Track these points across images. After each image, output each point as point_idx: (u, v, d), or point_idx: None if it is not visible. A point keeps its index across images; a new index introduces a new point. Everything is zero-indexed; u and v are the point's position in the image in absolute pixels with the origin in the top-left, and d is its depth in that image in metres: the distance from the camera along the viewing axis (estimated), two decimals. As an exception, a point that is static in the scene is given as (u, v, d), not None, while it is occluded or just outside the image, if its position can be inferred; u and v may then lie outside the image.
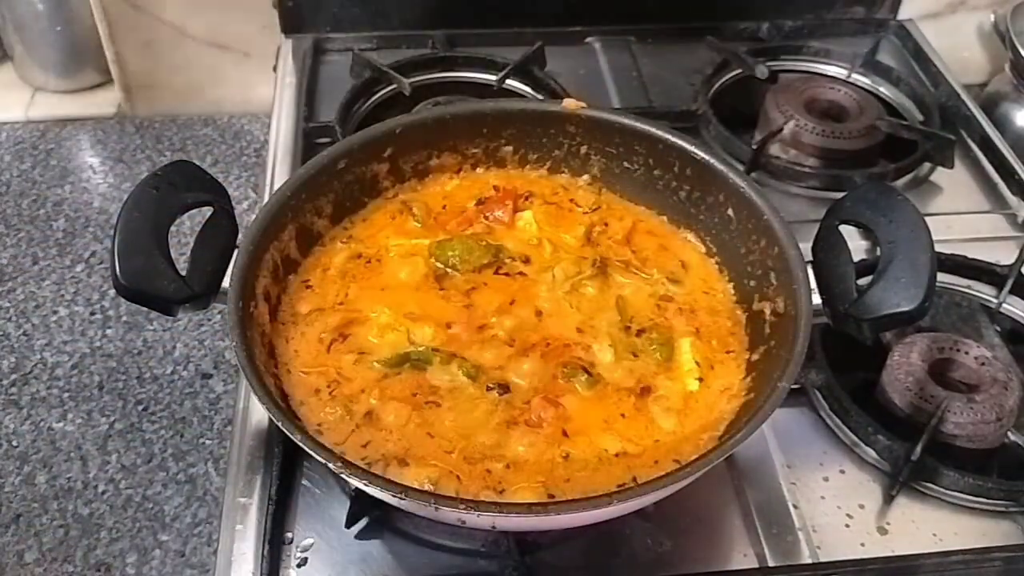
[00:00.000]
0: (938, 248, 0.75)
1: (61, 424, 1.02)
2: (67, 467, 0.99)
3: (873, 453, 0.86)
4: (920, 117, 1.25)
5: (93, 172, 1.33)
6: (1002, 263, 1.02)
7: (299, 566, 0.76)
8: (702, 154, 0.89)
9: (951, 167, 1.16)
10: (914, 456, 0.82)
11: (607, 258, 0.90)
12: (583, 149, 0.95)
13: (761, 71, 1.26)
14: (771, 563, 0.78)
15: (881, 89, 1.30)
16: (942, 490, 0.83)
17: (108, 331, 1.12)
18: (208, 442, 1.01)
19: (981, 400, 0.86)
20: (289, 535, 0.78)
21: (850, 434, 0.87)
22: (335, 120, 1.14)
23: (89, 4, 1.32)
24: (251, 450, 0.83)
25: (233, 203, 0.81)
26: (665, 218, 0.94)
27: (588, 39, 1.37)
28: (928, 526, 0.82)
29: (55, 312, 1.14)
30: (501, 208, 0.93)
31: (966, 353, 0.91)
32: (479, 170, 0.97)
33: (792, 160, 1.16)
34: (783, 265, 0.80)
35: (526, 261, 0.89)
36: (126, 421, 1.03)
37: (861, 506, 0.83)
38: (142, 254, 0.72)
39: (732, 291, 0.88)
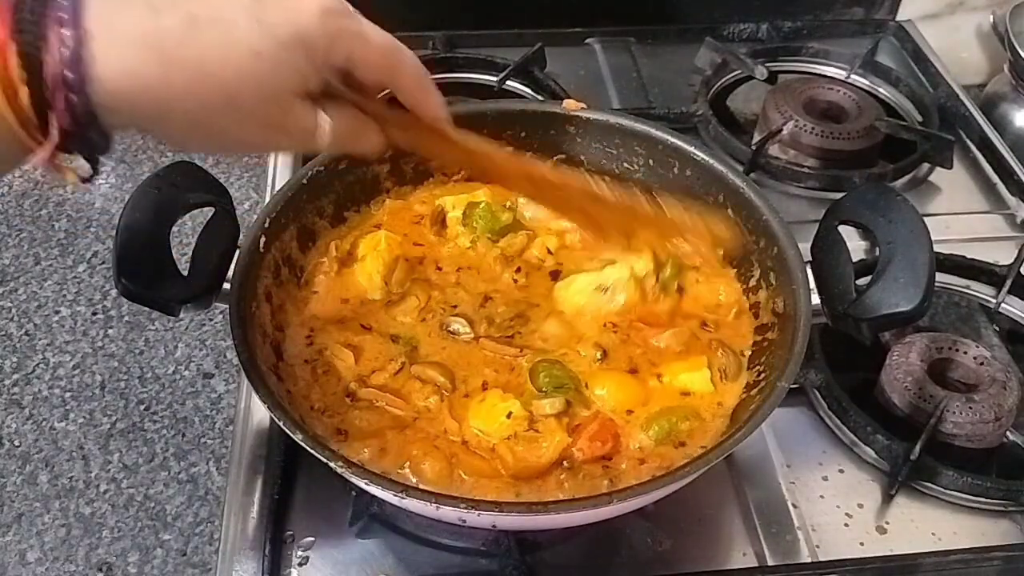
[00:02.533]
0: (937, 248, 0.75)
1: (63, 423, 1.03)
2: (69, 466, 0.99)
3: (872, 452, 0.86)
4: (919, 118, 1.25)
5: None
6: (1001, 263, 1.02)
7: (300, 565, 0.76)
8: (701, 155, 0.89)
9: (950, 168, 1.16)
10: (913, 455, 0.82)
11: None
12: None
13: (760, 72, 1.26)
14: (770, 562, 0.78)
15: (880, 90, 1.31)
16: (941, 489, 0.84)
17: (110, 331, 1.12)
18: (210, 441, 1.02)
19: (980, 400, 0.86)
20: (290, 534, 0.78)
21: (849, 434, 0.87)
22: (336, 121, 1.14)
23: (91, 5, 1.33)
24: (253, 449, 0.84)
25: (235, 203, 0.81)
26: (665, 218, 0.94)
27: (588, 40, 1.37)
28: (927, 525, 0.82)
29: (57, 312, 1.14)
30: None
31: (965, 353, 0.91)
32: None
33: (791, 161, 1.17)
34: (782, 265, 0.80)
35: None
36: (128, 420, 1.03)
37: (860, 505, 0.83)
38: (144, 254, 0.72)
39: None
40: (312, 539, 0.78)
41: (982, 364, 0.90)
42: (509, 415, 0.74)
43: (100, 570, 0.91)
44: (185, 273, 0.74)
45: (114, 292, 1.05)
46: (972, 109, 1.26)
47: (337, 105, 0.59)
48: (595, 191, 0.74)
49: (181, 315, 0.76)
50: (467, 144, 0.68)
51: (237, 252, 0.78)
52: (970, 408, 0.86)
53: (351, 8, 0.59)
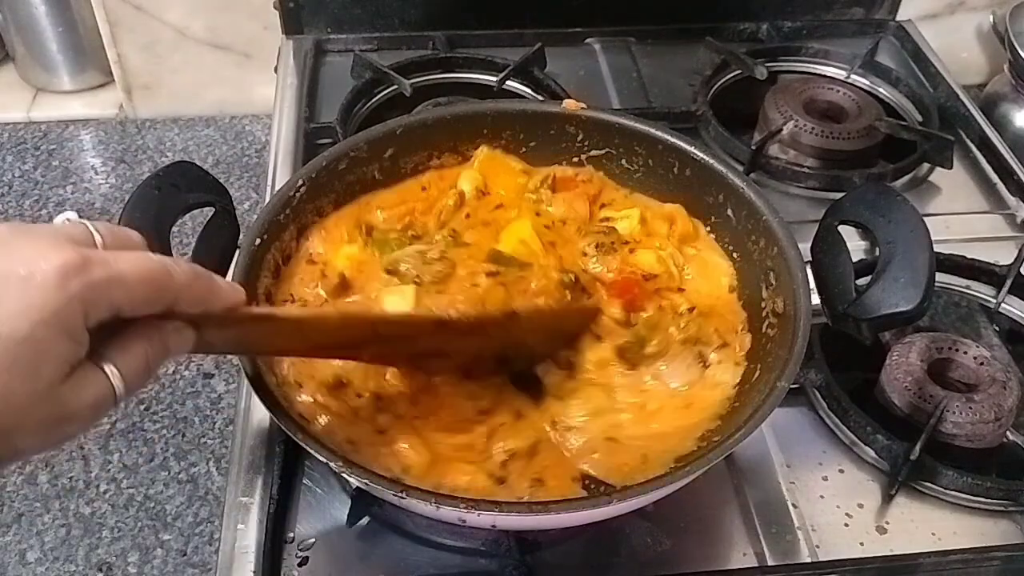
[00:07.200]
0: (937, 248, 0.75)
1: (63, 424, 1.03)
2: (69, 466, 0.99)
3: (872, 452, 0.86)
4: (919, 118, 1.25)
5: (95, 173, 1.33)
6: (1001, 263, 1.02)
7: (300, 565, 0.76)
8: (701, 155, 0.89)
9: (950, 168, 1.16)
10: (913, 455, 0.82)
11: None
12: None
13: (760, 72, 1.26)
14: (770, 562, 0.78)
15: (880, 90, 1.31)
16: (941, 489, 0.84)
17: (110, 331, 1.12)
18: (210, 441, 1.02)
19: (980, 400, 0.86)
20: (291, 534, 0.78)
21: (849, 433, 0.87)
22: (336, 121, 1.14)
23: (91, 5, 1.33)
24: (252, 449, 0.84)
25: (235, 203, 0.82)
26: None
27: (588, 40, 1.37)
28: (927, 525, 0.82)
29: (57, 312, 1.14)
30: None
31: (965, 353, 0.91)
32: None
33: (791, 160, 1.17)
34: (782, 265, 0.80)
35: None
36: (128, 420, 1.03)
37: (860, 505, 0.83)
38: (144, 254, 0.72)
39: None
40: (312, 539, 0.78)
41: (982, 364, 0.90)
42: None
43: (100, 570, 0.91)
44: (185, 273, 0.73)
45: (114, 292, 1.05)
46: (972, 109, 1.26)
47: (121, 344, 0.50)
48: (442, 317, 0.67)
49: (181, 315, 0.76)
50: (290, 315, 0.58)
51: (237, 252, 0.78)
52: (970, 408, 0.86)
53: (94, 247, 0.50)
